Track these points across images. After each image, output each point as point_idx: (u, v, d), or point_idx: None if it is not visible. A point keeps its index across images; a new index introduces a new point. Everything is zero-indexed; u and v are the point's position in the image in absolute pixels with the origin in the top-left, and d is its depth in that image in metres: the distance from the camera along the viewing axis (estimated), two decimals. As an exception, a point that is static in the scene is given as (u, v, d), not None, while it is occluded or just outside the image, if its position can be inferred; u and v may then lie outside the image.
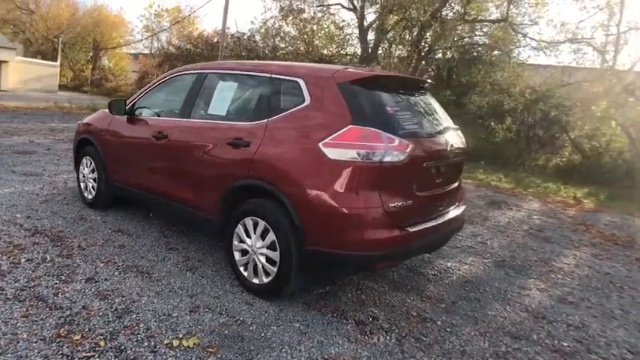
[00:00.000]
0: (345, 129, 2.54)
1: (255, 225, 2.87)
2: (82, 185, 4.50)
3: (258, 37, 21.73)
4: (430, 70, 15.94)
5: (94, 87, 32.20)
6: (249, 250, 2.91)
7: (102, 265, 3.15)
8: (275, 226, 2.75)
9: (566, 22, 15.34)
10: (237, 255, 3.02)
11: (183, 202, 3.41)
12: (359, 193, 2.50)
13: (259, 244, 2.85)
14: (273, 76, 3.02)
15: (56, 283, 2.79)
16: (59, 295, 2.66)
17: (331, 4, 19.33)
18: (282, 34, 20.77)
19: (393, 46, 17.54)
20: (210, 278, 3.13)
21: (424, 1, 14.88)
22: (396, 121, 2.67)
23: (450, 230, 3.21)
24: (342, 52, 19.44)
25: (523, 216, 6.17)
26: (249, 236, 2.91)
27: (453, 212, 3.22)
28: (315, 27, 19.74)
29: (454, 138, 3.15)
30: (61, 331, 2.28)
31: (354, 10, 18.22)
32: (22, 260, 3.06)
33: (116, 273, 3.05)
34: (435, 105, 3.32)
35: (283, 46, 20.79)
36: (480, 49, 14.93)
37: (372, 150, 2.48)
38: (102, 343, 2.22)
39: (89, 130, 4.39)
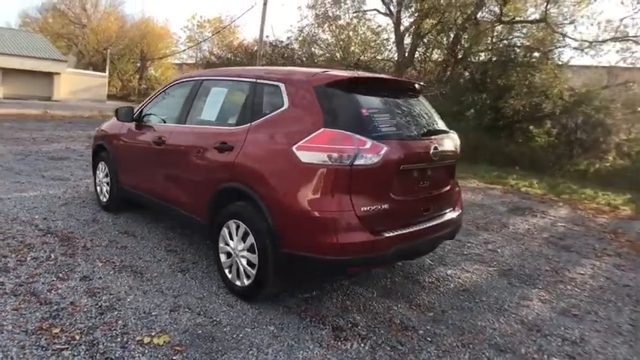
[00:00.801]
0: (317, 132, 2.54)
1: (238, 228, 2.92)
2: (98, 189, 4.76)
3: (296, 46, 22.09)
4: (466, 73, 15.55)
5: (141, 96, 33.93)
6: (232, 252, 2.97)
7: (100, 264, 3.31)
8: (253, 229, 2.78)
9: (611, 19, 14.38)
10: (222, 257, 3.08)
11: (179, 206, 3.53)
12: (329, 196, 2.48)
13: (240, 246, 2.90)
14: (257, 80, 3.08)
15: (53, 280, 2.97)
16: (52, 291, 2.82)
17: (367, 10, 19.39)
18: (318, 42, 21.00)
19: (429, 50, 17.30)
20: (199, 280, 3.21)
21: (459, 4, 14.59)
22: (371, 124, 2.63)
23: (439, 236, 3.12)
24: (378, 57, 19.40)
25: (546, 223, 5.85)
26: (232, 239, 2.97)
27: (443, 217, 3.12)
28: (351, 33, 19.82)
29: (443, 141, 3.06)
30: (43, 325, 2.42)
31: (390, 15, 18.15)
32: (29, 258, 3.28)
33: (111, 272, 3.20)
34: (426, 107, 3.25)
35: (320, 52, 21.00)
36: (517, 50, 14.38)
37: (342, 153, 2.46)
38: (77, 337, 2.34)
39: (103, 137, 4.64)
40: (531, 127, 13.47)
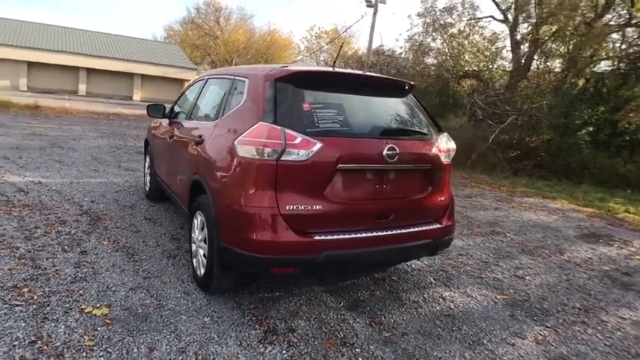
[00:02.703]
0: (254, 126, 2.52)
1: (200, 219, 3.04)
2: (145, 179, 5.35)
3: (410, 55, 21.73)
4: (580, 83, 13.64)
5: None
6: (196, 242, 3.09)
7: (105, 243, 3.73)
8: (207, 221, 2.87)
9: None
10: (193, 246, 3.23)
11: (176, 195, 3.81)
12: (255, 191, 2.45)
13: (200, 237, 3.01)
14: (234, 77, 3.17)
15: (57, 251, 3.43)
16: (49, 259, 3.27)
17: (482, 17, 18.33)
18: (428, 50, 20.42)
19: (546, 58, 15.65)
20: (179, 267, 3.41)
21: (582, 8, 12.93)
22: (310, 119, 2.52)
23: (403, 249, 2.81)
24: (490, 66, 18.19)
25: (619, 255, 4.82)
26: (197, 229, 3.10)
27: (412, 228, 2.82)
28: (464, 41, 18.90)
29: (408, 143, 2.77)
30: (19, 284, 2.83)
31: (505, 21, 16.92)
32: (54, 231, 3.84)
33: (109, 250, 3.57)
34: (406, 107, 2.98)
35: (431, 62, 20.40)
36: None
37: (269, 147, 2.41)
38: (35, 297, 2.69)
39: (149, 132, 5.20)
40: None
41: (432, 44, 19.98)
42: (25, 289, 2.78)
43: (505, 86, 16.10)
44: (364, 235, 2.60)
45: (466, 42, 18.59)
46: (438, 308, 3.17)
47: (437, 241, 2.97)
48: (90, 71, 27.15)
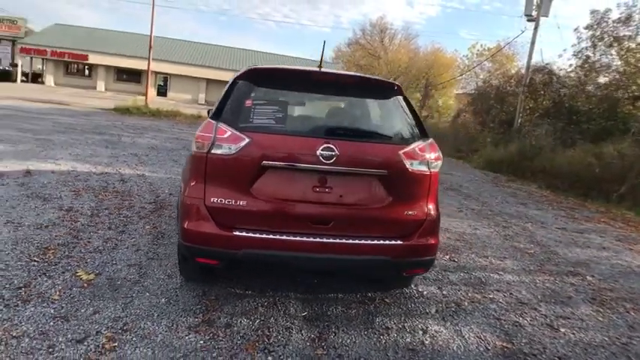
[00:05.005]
0: (205, 122, 2.68)
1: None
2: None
3: (581, 73, 19.15)
4: None
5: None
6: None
7: (147, 227, 4.32)
8: (181, 212, 3.13)
9: None
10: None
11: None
12: (190, 182, 2.60)
13: (182, 227, 3.29)
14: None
15: (103, 228, 4.13)
16: (91, 233, 3.97)
17: None
18: (598, 68, 17.66)
19: None
20: (184, 254, 3.74)
21: None
22: (248, 115, 2.55)
23: (342, 262, 2.58)
24: None
25: None
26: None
27: (358, 240, 2.55)
28: None
29: (359, 145, 2.53)
30: (51, 246, 3.52)
31: None
32: (116, 213, 4.62)
33: (143, 233, 4.14)
34: (372, 108, 2.75)
35: (602, 81, 17.59)
36: None
37: (204, 141, 2.53)
38: (51, 258, 3.31)
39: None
40: None
41: (604, 59, 17.15)
42: (51, 251, 3.45)
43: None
44: (292, 238, 2.48)
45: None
46: (407, 340, 2.77)
47: (397, 260, 2.61)
48: (256, 87, 31.43)
